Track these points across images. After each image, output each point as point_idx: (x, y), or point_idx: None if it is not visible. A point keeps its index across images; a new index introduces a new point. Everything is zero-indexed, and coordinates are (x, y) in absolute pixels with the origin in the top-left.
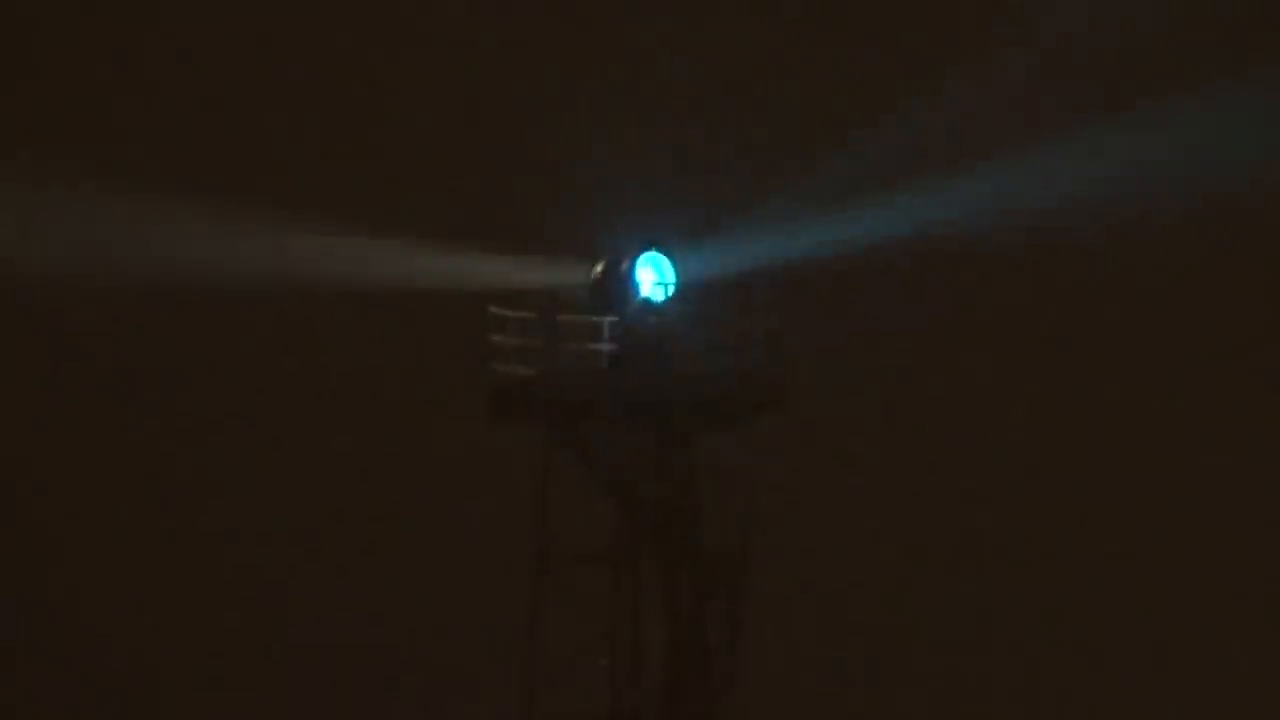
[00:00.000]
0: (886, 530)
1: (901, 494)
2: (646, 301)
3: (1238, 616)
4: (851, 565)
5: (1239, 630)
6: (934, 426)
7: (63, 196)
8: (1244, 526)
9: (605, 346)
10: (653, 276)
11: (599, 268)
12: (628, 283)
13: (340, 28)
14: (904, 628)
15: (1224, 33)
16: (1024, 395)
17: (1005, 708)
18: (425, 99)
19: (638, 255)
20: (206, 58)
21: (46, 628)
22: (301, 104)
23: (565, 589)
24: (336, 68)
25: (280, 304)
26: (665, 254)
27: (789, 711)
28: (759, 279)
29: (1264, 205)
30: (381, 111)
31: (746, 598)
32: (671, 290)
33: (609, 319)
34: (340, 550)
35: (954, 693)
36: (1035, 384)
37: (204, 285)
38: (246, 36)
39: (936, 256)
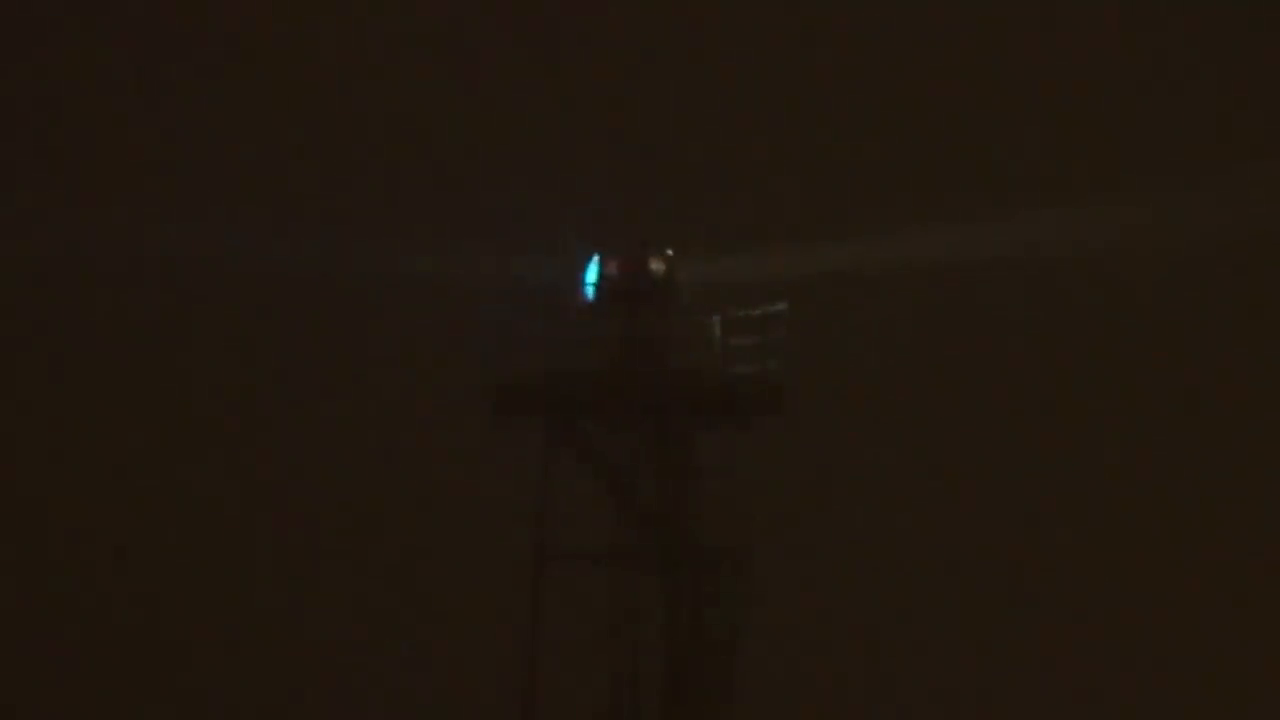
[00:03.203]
0: (887, 530)
1: (902, 494)
2: (660, 302)
3: (1237, 618)
4: (851, 565)
5: (1239, 632)
6: (935, 426)
7: (57, 193)
8: (1244, 528)
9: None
10: (666, 278)
11: (603, 267)
12: (645, 284)
13: (345, 25)
14: (904, 627)
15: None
16: (1025, 395)
17: (1006, 708)
18: (430, 98)
19: (654, 256)
20: (206, 52)
21: (44, 626)
22: (296, 102)
23: (565, 589)
24: (336, 65)
25: (279, 303)
26: (675, 256)
27: (789, 711)
28: (765, 282)
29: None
30: (381, 110)
31: (746, 598)
32: (681, 292)
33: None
34: (340, 549)
35: (955, 692)
36: (1037, 384)
37: (204, 283)
38: (247, 35)
39: (938, 263)
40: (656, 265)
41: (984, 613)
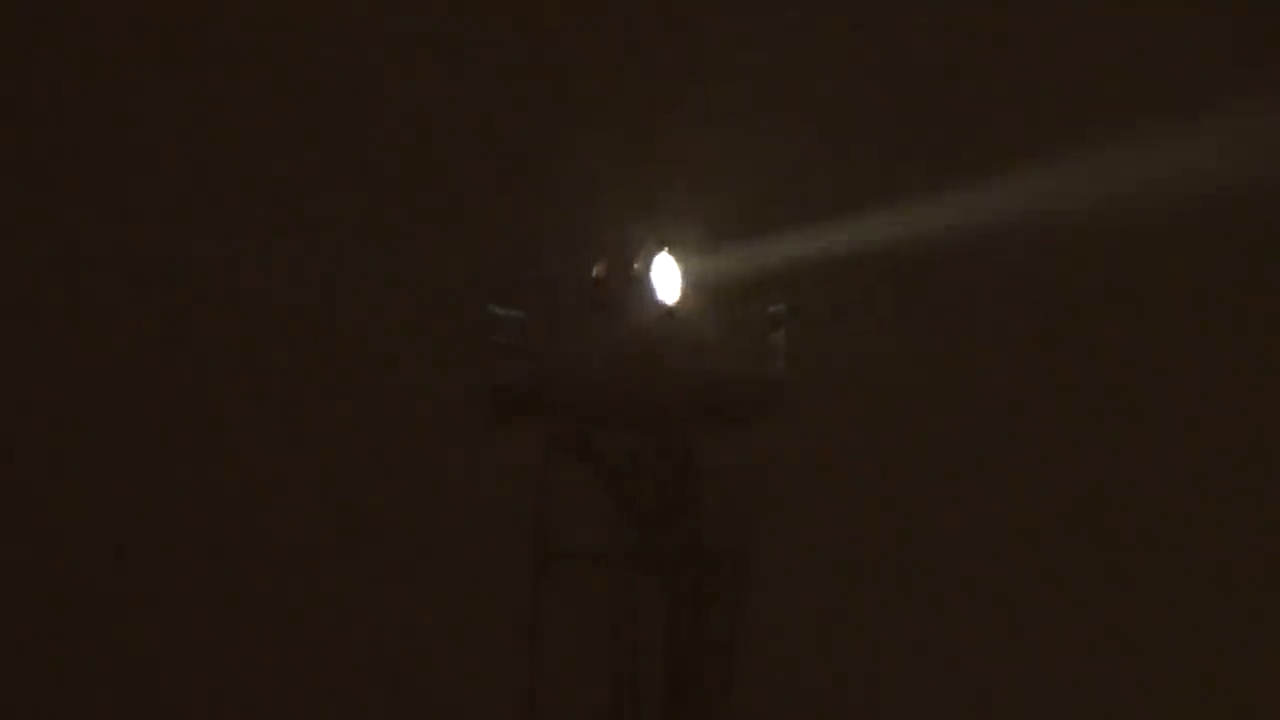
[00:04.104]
0: (887, 530)
1: (902, 493)
2: (659, 303)
3: (1238, 617)
4: (852, 564)
5: (1239, 630)
6: (935, 425)
7: (56, 196)
8: (1244, 526)
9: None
10: (665, 278)
11: (601, 267)
12: (644, 284)
13: (338, 27)
14: (904, 627)
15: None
16: (1026, 394)
17: (1006, 707)
18: (427, 100)
19: (653, 256)
20: (203, 56)
21: (48, 628)
22: (299, 103)
23: (565, 589)
24: (333, 67)
25: (279, 304)
26: (673, 256)
27: (789, 711)
28: (764, 282)
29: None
30: (384, 111)
31: (746, 598)
32: (680, 292)
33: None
34: (340, 550)
35: (954, 692)
36: (1038, 383)
37: (202, 286)
38: (246, 37)
39: (939, 257)
40: (648, 265)
41: (985, 612)
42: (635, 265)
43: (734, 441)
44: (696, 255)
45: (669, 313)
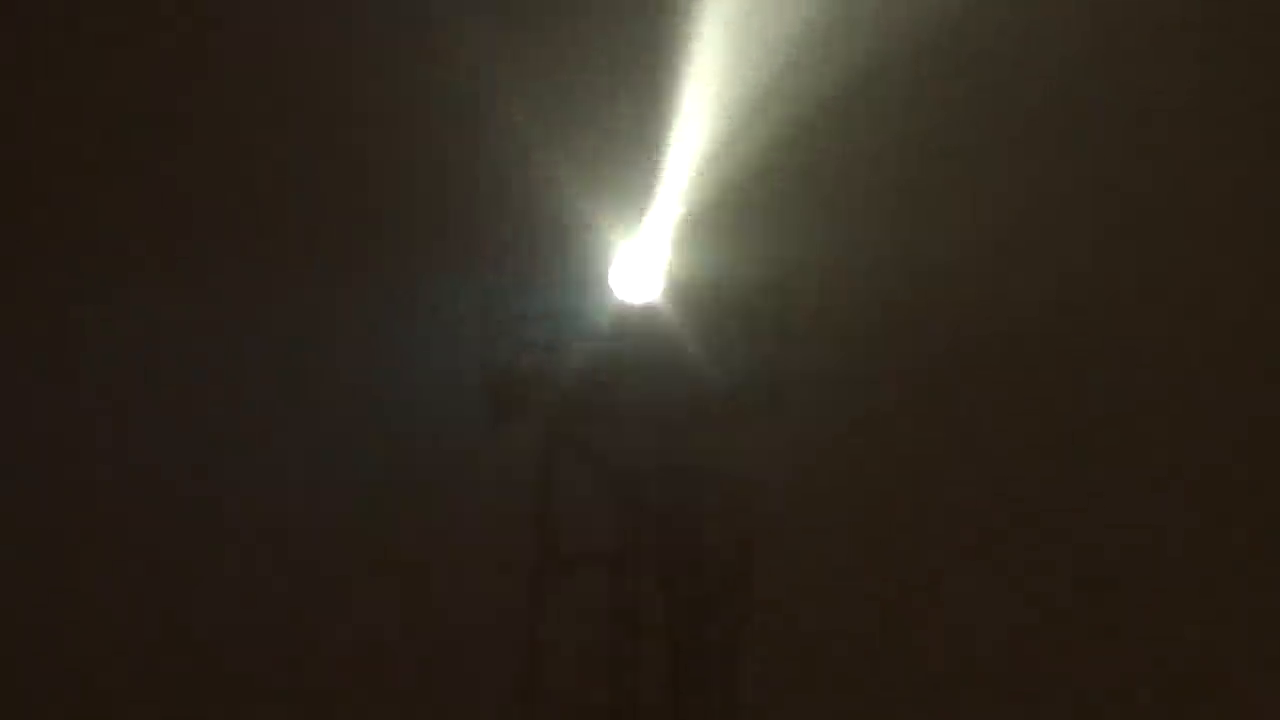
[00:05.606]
0: (888, 532)
1: (904, 495)
2: (624, 304)
3: (1238, 621)
4: (853, 567)
5: (1240, 634)
6: (937, 425)
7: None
8: (1244, 526)
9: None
10: (636, 279)
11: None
12: (604, 285)
13: (322, 32)
14: (906, 631)
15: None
16: (1027, 392)
17: (1008, 709)
18: (424, 104)
19: (615, 258)
20: (183, 67)
21: (43, 627)
22: (292, 105)
23: (566, 591)
24: (323, 70)
25: (278, 303)
26: (648, 256)
27: (791, 714)
28: (758, 278)
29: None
30: (379, 112)
31: (747, 600)
32: (653, 293)
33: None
34: (339, 550)
35: (955, 697)
36: (1039, 381)
37: (200, 283)
38: (225, 43)
39: (935, 252)
40: (641, 263)
41: (989, 613)
42: (629, 263)
43: (734, 441)
44: (694, 253)
45: (664, 310)
